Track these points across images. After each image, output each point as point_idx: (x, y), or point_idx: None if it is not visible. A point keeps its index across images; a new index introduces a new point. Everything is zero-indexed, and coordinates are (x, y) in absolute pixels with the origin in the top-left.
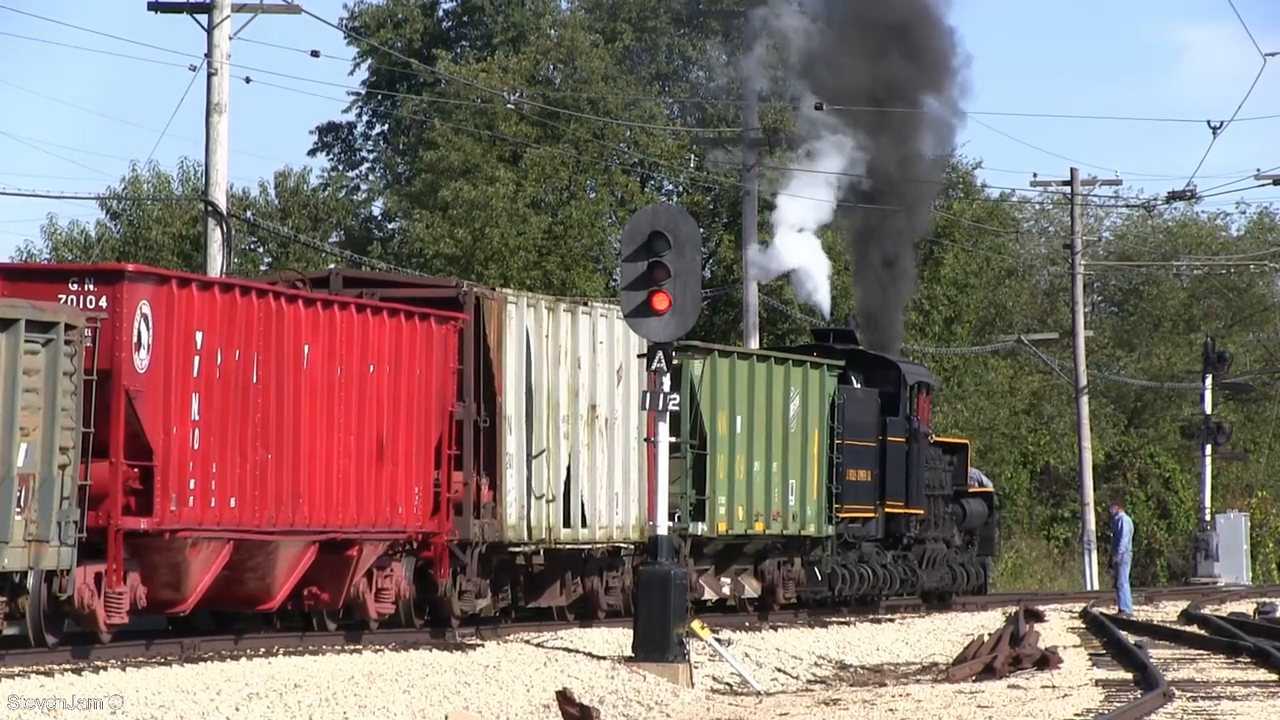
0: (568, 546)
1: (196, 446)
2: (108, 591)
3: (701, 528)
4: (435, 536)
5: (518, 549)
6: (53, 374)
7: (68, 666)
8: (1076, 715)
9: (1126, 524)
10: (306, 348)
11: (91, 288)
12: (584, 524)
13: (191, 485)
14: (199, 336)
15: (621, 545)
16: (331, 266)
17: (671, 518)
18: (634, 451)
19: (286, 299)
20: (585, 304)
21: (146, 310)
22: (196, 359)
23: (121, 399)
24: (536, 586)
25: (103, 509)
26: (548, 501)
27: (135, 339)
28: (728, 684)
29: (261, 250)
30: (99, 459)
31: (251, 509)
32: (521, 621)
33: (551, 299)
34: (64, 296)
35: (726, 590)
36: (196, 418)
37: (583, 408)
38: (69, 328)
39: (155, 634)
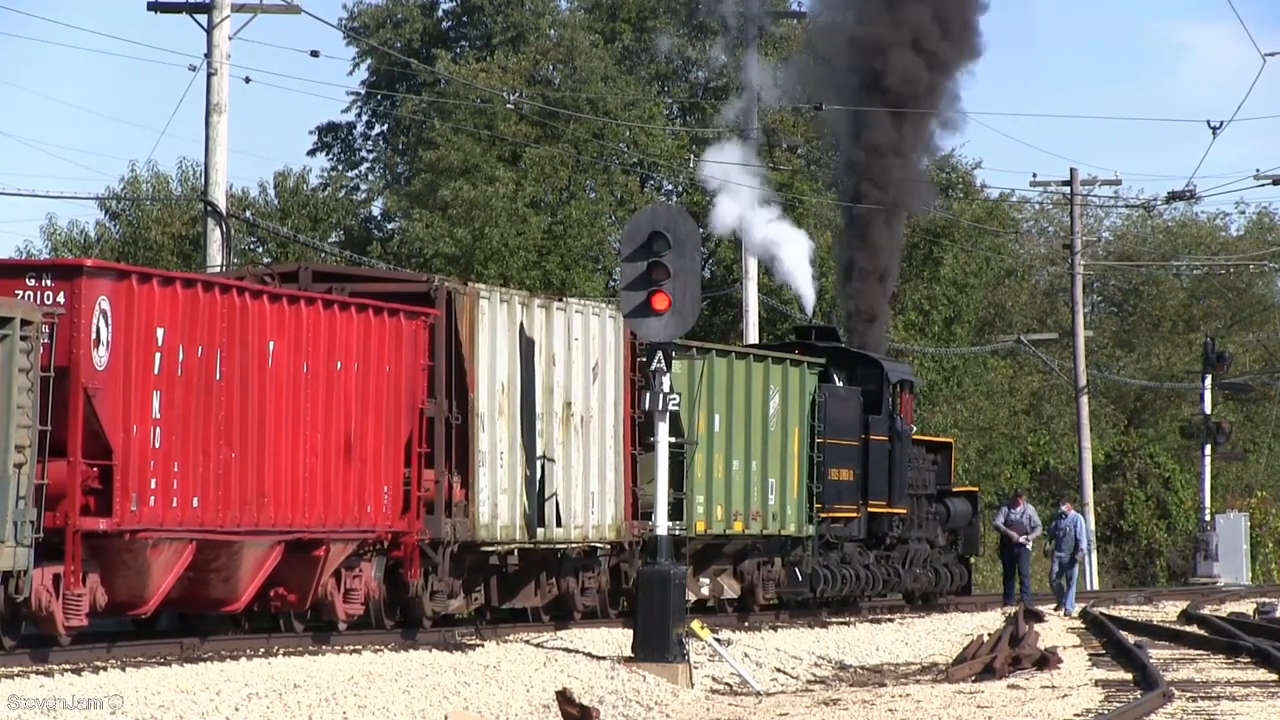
0: (542, 546)
1: (157, 445)
2: (66, 593)
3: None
4: (405, 536)
5: (491, 549)
6: (8, 370)
7: (68, 666)
8: (1076, 715)
9: (1083, 522)
10: (272, 344)
11: (49, 283)
12: (559, 523)
13: (152, 485)
14: (160, 333)
15: (598, 545)
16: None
17: (648, 517)
18: (610, 450)
19: (251, 294)
20: (560, 300)
21: (105, 306)
22: (157, 356)
23: (80, 397)
24: (511, 587)
25: (60, 509)
26: (522, 501)
27: (94, 335)
28: (727, 684)
29: (261, 250)
30: (57, 458)
31: (215, 509)
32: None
33: (525, 294)
34: (21, 292)
35: (705, 591)
36: (157, 416)
37: (558, 405)
38: (25, 323)
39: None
